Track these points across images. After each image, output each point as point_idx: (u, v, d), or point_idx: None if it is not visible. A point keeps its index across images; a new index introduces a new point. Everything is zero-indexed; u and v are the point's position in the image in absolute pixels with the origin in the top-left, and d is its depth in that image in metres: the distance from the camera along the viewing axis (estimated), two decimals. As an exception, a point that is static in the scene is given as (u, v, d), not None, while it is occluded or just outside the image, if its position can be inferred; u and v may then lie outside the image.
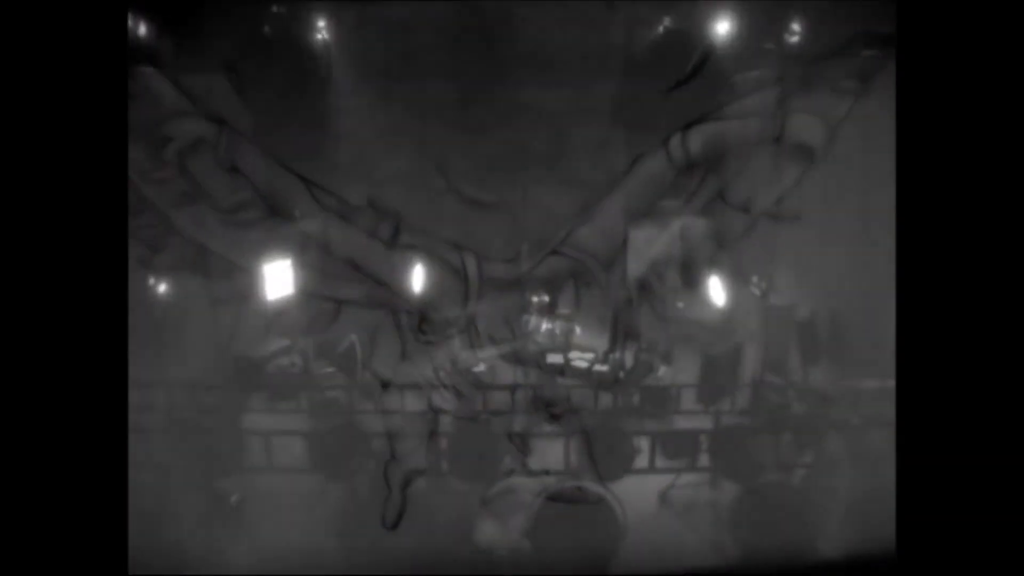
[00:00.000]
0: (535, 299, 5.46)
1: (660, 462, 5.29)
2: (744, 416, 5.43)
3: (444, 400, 5.11)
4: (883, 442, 4.13)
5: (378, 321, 5.01)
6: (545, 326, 5.47)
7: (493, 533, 4.85)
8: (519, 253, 4.94)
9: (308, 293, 4.94)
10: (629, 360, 5.49)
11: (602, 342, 5.35)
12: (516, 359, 5.20)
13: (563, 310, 5.47)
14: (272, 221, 4.85)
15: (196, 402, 5.19)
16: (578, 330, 5.44)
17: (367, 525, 4.83)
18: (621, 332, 5.18)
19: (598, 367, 5.44)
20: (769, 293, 5.40)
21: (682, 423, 5.54)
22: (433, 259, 4.91)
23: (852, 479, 4.88)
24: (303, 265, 4.89)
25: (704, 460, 5.37)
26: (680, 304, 5.45)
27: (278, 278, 4.81)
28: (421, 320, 4.97)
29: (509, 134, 4.72)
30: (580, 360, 5.46)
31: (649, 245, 4.97)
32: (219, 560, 4.48)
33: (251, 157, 4.78)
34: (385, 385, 5.12)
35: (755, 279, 5.40)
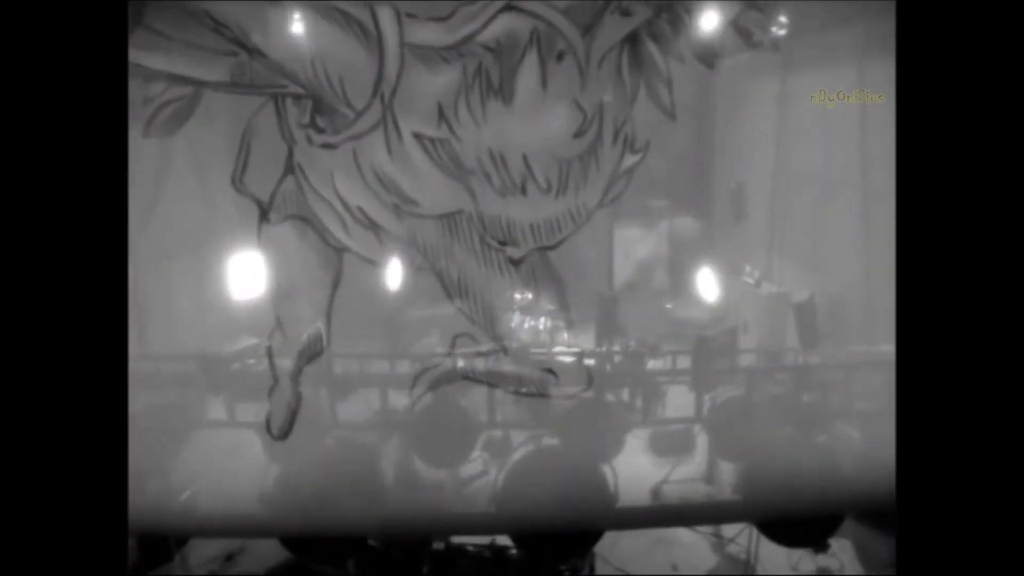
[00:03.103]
0: (518, 296, 4.94)
1: (654, 449, 4.91)
2: (741, 390, 4.97)
3: (349, 236, 3.55)
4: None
5: (253, 111, 3.45)
6: (529, 323, 5.17)
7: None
8: (456, 8, 3.39)
9: (151, 70, 3.40)
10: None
11: (589, 338, 4.89)
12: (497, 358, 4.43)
13: (548, 305, 5.05)
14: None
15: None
16: (564, 329, 5.13)
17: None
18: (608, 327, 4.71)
19: (585, 362, 4.97)
20: (762, 282, 5.06)
21: (674, 410, 5.02)
22: (332, 16, 3.36)
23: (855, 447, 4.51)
24: (150, 31, 3.37)
25: (700, 446, 4.90)
26: (669, 305, 5.31)
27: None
28: (315, 109, 3.41)
29: None
30: (566, 356, 5.07)
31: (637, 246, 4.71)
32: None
33: None
34: (264, 212, 3.57)
35: (748, 268, 5.13)
